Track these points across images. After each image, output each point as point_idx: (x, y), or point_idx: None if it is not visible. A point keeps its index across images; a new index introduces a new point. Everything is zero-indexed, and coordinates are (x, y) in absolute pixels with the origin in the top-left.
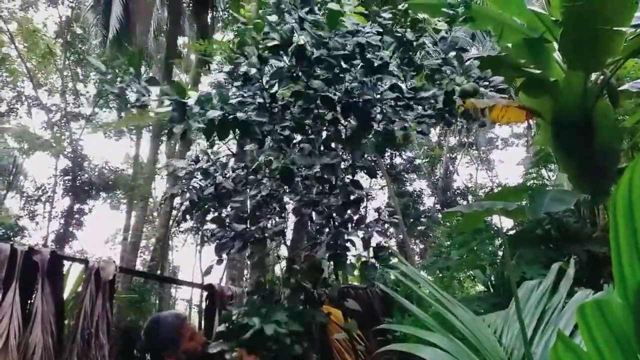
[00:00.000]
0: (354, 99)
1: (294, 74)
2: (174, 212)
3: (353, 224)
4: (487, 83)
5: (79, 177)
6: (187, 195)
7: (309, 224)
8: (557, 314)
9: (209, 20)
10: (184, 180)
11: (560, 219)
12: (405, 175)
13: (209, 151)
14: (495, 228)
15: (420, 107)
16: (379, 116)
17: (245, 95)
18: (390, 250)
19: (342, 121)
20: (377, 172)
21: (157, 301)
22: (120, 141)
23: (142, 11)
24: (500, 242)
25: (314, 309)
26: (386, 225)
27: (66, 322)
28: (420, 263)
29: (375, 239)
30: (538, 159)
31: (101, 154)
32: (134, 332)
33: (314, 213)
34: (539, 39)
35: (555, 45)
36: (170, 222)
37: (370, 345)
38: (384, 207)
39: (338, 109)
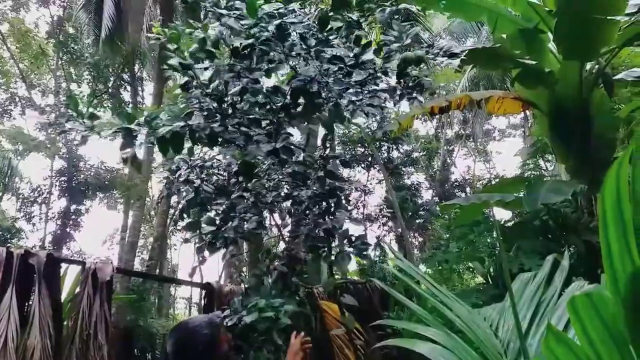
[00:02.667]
0: (301, 82)
1: (235, 71)
2: (171, 211)
3: (331, 216)
4: (437, 51)
5: (74, 178)
6: (184, 194)
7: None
8: (552, 306)
9: (202, 17)
10: (178, 182)
11: (558, 210)
12: (403, 169)
13: (188, 159)
14: (493, 220)
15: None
16: (326, 93)
17: (192, 103)
18: (366, 241)
19: (292, 106)
20: (375, 165)
21: (157, 300)
22: (115, 141)
23: (134, 9)
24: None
25: (289, 296)
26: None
27: (64, 323)
28: (419, 256)
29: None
30: (535, 149)
31: (97, 154)
32: (133, 332)
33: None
34: (534, 29)
35: (550, 35)
36: (168, 221)
37: (369, 339)
38: (382, 200)
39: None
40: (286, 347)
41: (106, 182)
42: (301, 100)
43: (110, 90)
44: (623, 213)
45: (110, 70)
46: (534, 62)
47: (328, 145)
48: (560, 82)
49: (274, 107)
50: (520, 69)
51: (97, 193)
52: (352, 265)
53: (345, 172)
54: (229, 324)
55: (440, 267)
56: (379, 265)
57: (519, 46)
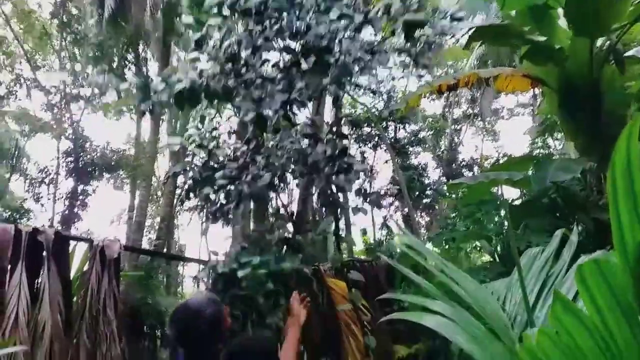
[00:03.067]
0: (312, 39)
1: (247, 30)
2: (178, 191)
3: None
4: (442, 15)
5: (81, 159)
6: (190, 173)
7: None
8: (560, 280)
9: None
10: (185, 159)
11: (567, 188)
12: (410, 149)
13: (200, 125)
14: (501, 199)
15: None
16: (336, 50)
17: (207, 60)
18: (380, 194)
19: (303, 64)
20: (381, 145)
21: (165, 279)
22: (120, 121)
23: None
24: (505, 212)
25: (292, 253)
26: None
27: (74, 300)
28: (426, 235)
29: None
30: (544, 128)
31: (102, 135)
32: (142, 310)
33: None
34: (544, 5)
35: (560, 11)
36: (174, 201)
37: (376, 316)
38: (389, 180)
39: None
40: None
41: (112, 163)
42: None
43: (114, 70)
44: (634, 183)
45: (115, 51)
46: (543, 39)
47: (338, 105)
48: (570, 58)
49: (285, 65)
50: (530, 45)
51: (104, 173)
52: (359, 245)
53: (352, 151)
54: (220, 271)
55: (447, 246)
56: (388, 243)
57: (528, 22)
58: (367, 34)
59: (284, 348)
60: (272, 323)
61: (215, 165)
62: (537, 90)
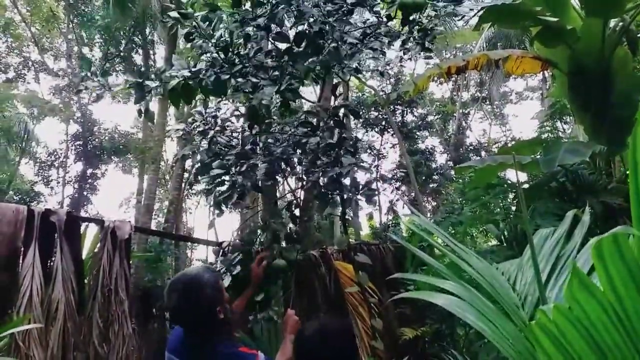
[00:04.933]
0: (304, 24)
1: (238, 20)
2: (186, 175)
3: (340, 165)
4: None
5: (90, 142)
6: (198, 157)
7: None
8: (572, 261)
9: None
10: (193, 142)
11: (575, 171)
12: (417, 133)
13: (204, 111)
14: (509, 182)
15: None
16: (328, 35)
17: (199, 52)
18: (371, 188)
19: (296, 49)
20: (389, 129)
21: (173, 262)
22: (128, 104)
23: None
24: (513, 195)
25: (292, 245)
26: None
27: (86, 280)
28: (433, 220)
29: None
30: (553, 111)
31: (111, 118)
32: (151, 292)
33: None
34: None
35: None
36: (183, 185)
37: (383, 298)
38: (396, 165)
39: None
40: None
41: (121, 146)
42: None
43: (122, 53)
44: None
45: (122, 34)
46: (555, 19)
47: (338, 94)
48: (582, 40)
49: (279, 52)
50: (541, 26)
51: (112, 157)
52: (365, 229)
53: (360, 134)
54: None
55: (453, 230)
56: (394, 227)
57: (539, 2)
58: (363, 18)
59: (279, 357)
60: (265, 317)
61: (219, 152)
62: (547, 74)
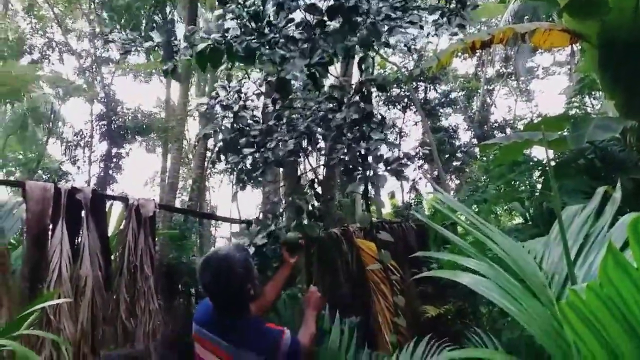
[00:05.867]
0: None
1: None
2: (208, 154)
3: (365, 141)
4: None
5: (113, 122)
6: (220, 135)
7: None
8: (602, 238)
9: None
10: (215, 121)
11: (605, 148)
12: (440, 110)
13: (227, 85)
14: (535, 159)
15: None
16: (365, 8)
17: (229, 19)
18: (404, 161)
19: (329, 23)
20: (411, 106)
21: (198, 239)
22: (150, 84)
23: None
24: (539, 173)
25: (314, 221)
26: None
27: (112, 257)
28: (456, 198)
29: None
30: (582, 86)
31: (133, 98)
32: (176, 269)
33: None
34: None
35: None
36: (206, 163)
37: (405, 276)
38: (419, 142)
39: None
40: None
41: (144, 126)
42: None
43: (142, 33)
44: None
45: (142, 12)
46: None
47: (365, 69)
48: (613, 11)
49: (310, 24)
50: None
51: (136, 136)
52: (387, 208)
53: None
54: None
55: (477, 209)
56: (417, 206)
57: None
58: None
59: (301, 333)
60: (289, 293)
61: (244, 127)
62: (575, 48)
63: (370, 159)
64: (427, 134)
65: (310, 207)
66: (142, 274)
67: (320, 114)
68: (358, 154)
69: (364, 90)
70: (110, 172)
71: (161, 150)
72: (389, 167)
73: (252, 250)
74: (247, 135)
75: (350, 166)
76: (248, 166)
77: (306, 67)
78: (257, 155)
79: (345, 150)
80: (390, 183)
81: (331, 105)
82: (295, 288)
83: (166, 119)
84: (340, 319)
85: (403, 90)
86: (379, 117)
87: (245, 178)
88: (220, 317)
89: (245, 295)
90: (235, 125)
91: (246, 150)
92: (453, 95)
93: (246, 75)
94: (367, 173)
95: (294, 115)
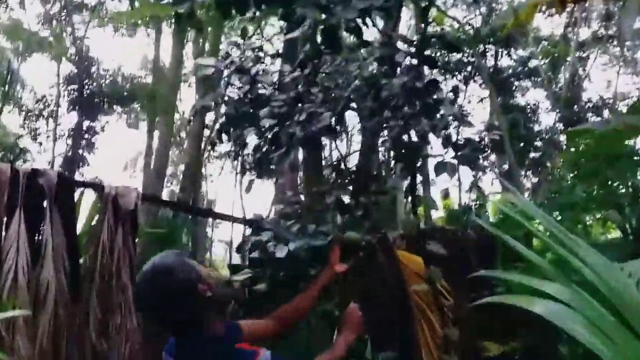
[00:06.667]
0: None
1: None
2: (207, 132)
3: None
4: None
5: (86, 87)
6: (223, 108)
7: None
8: None
9: None
10: (217, 89)
11: None
12: (516, 83)
13: (242, 42)
14: None
15: None
16: None
17: None
18: (477, 146)
19: None
20: (476, 77)
21: (190, 242)
22: (135, 39)
23: None
24: None
25: (356, 222)
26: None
27: (81, 260)
28: (533, 200)
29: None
30: None
31: (113, 57)
32: None
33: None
34: None
35: None
36: (202, 144)
37: (461, 301)
38: (485, 126)
39: None
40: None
41: (125, 93)
42: None
43: None
44: None
45: None
46: None
47: (426, 21)
48: None
49: None
50: None
51: (115, 106)
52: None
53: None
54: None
55: (560, 216)
56: (479, 209)
57: None
58: None
59: (323, 356)
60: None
61: (261, 95)
62: None
63: (436, 137)
64: (496, 114)
65: (353, 204)
66: (119, 283)
67: (364, 80)
68: (416, 133)
69: (426, 51)
70: (81, 151)
71: (146, 125)
72: (459, 153)
73: (283, 252)
74: (267, 102)
75: (407, 148)
76: (264, 144)
77: (363, 12)
78: (278, 129)
79: (401, 129)
80: (470, 170)
81: (382, 68)
82: (329, 303)
83: (154, 85)
84: (373, 354)
85: (466, 54)
86: (454, 86)
87: (260, 161)
88: (178, 342)
89: (193, 311)
90: (249, 95)
91: (267, 122)
92: (533, 63)
93: (258, 31)
94: (415, 161)
95: (326, 83)
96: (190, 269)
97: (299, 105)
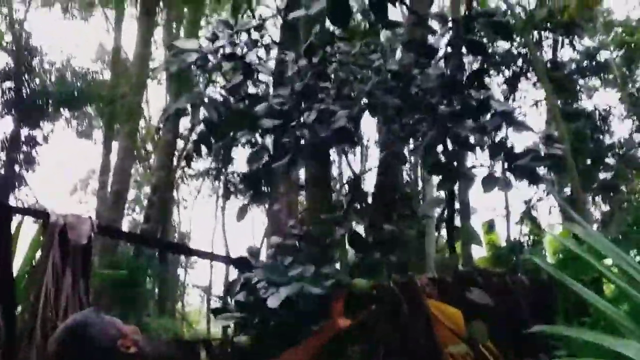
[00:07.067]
0: None
1: None
2: (180, 143)
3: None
4: None
5: (27, 84)
6: (202, 111)
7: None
8: None
9: None
10: (196, 88)
11: None
12: (580, 82)
13: (232, 22)
14: None
15: None
16: None
17: None
18: (538, 155)
19: None
20: (529, 73)
21: (157, 288)
22: (89, 23)
23: None
24: None
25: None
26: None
27: (19, 308)
28: (605, 235)
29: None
30: None
31: (60, 47)
32: None
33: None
34: None
35: None
36: (175, 160)
37: None
38: (541, 137)
39: None
40: None
41: (76, 93)
42: None
43: None
44: None
45: None
46: None
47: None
48: None
49: None
50: None
51: (62, 110)
52: (478, 251)
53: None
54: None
55: (638, 254)
56: (532, 247)
57: None
58: None
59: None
60: None
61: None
62: None
63: (481, 146)
64: (555, 121)
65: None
66: None
67: (391, 73)
68: (456, 140)
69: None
70: (18, 167)
71: (102, 135)
72: (515, 164)
73: (276, 301)
74: (264, 99)
75: (447, 158)
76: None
77: None
78: (290, 135)
79: (437, 133)
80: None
81: (416, 56)
82: None
83: (113, 82)
84: None
85: (516, 44)
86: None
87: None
88: None
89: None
90: (242, 90)
91: (267, 123)
92: (603, 56)
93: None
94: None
95: (341, 73)
96: (108, 323)
97: (308, 101)
